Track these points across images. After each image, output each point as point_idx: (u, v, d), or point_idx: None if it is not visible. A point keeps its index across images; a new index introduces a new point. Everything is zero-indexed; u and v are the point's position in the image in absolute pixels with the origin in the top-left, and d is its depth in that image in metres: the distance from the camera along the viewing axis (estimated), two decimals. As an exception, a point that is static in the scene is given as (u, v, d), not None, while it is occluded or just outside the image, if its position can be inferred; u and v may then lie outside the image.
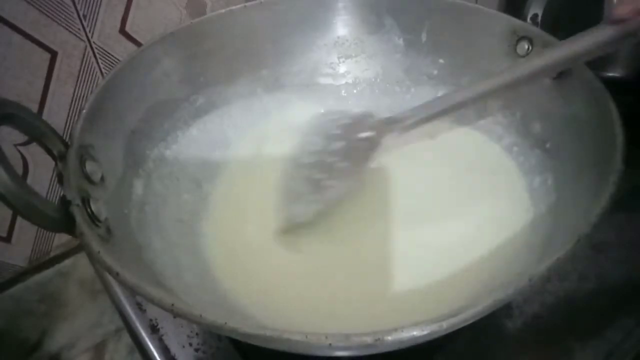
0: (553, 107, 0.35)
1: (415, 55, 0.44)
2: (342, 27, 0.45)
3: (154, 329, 0.36)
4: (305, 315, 0.31)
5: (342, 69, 0.47)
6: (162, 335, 0.36)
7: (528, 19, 0.39)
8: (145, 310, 0.37)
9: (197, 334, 0.35)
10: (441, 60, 0.43)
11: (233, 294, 0.32)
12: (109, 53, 0.42)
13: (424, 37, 0.43)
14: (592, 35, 0.28)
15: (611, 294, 0.35)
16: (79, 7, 0.39)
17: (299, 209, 0.36)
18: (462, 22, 0.40)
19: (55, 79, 0.40)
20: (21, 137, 0.40)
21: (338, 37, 0.45)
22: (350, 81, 0.47)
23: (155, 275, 0.28)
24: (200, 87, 0.41)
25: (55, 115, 0.41)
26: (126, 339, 0.56)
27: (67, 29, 0.39)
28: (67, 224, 0.24)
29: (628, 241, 0.38)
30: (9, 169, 0.22)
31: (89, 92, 0.42)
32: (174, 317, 0.33)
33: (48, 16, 0.37)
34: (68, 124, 0.43)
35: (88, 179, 0.28)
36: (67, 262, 0.49)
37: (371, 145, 0.37)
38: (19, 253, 0.46)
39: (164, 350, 0.35)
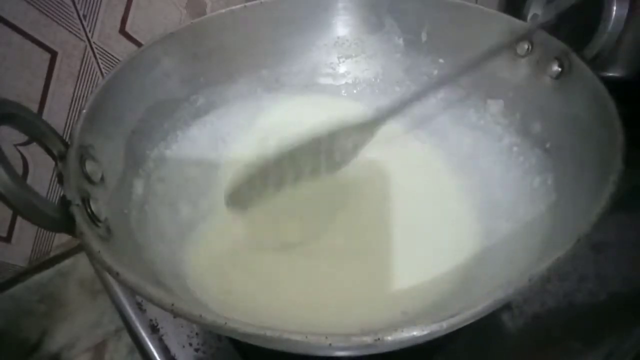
0: (553, 107, 0.35)
1: (415, 55, 0.44)
2: (342, 27, 0.45)
3: (154, 329, 0.36)
4: (303, 317, 0.31)
5: (342, 69, 0.46)
6: (162, 335, 0.36)
7: (528, 19, 0.39)
8: (145, 310, 0.37)
9: (197, 334, 0.35)
10: (441, 60, 0.43)
11: (225, 296, 0.32)
12: (109, 53, 0.42)
13: (424, 37, 0.43)
14: None
15: (611, 294, 0.35)
16: (79, 7, 0.39)
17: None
18: (462, 22, 0.40)
19: (55, 79, 0.40)
20: (21, 137, 0.40)
21: (338, 37, 0.45)
22: (350, 81, 0.47)
23: (155, 275, 0.28)
24: (200, 87, 0.41)
25: (55, 115, 0.41)
26: (126, 339, 0.56)
27: (67, 29, 0.39)
28: (67, 224, 0.24)
29: (628, 241, 0.38)
30: (9, 169, 0.22)
31: (89, 92, 0.42)
32: (174, 317, 0.33)
33: (48, 16, 0.37)
34: (68, 124, 0.43)
35: (88, 179, 0.28)
36: (67, 262, 0.49)
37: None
38: (19, 253, 0.46)
39: (164, 350, 0.35)
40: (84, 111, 0.29)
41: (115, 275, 0.22)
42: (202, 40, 0.40)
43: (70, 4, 0.38)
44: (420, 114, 0.44)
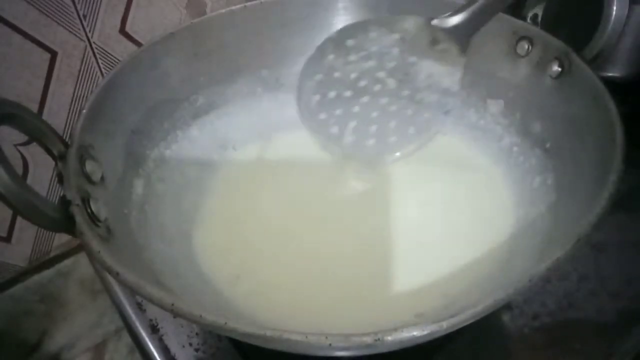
0: (553, 107, 0.35)
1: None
2: (342, 27, 0.45)
3: (154, 329, 0.36)
4: (304, 315, 0.31)
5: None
6: (162, 335, 0.36)
7: (528, 19, 0.39)
8: (145, 310, 0.37)
9: (197, 334, 0.35)
10: (441, 60, 0.43)
11: (228, 295, 0.32)
12: (109, 53, 0.42)
13: (424, 37, 0.43)
14: None
15: (611, 294, 0.35)
16: (79, 7, 0.39)
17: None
18: (462, 22, 0.40)
19: (55, 79, 0.40)
20: (21, 137, 0.40)
21: (338, 37, 0.45)
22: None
23: (155, 275, 0.28)
24: (200, 87, 0.41)
25: (55, 115, 0.41)
26: (126, 339, 0.56)
27: (67, 29, 0.39)
28: (67, 223, 0.24)
29: (628, 241, 0.38)
30: (9, 169, 0.22)
31: (89, 92, 0.42)
32: (174, 317, 0.33)
33: (48, 16, 0.37)
34: (68, 124, 0.43)
35: (88, 179, 0.28)
36: (67, 262, 0.49)
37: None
38: (19, 253, 0.46)
39: (164, 350, 0.35)
40: (84, 111, 0.29)
41: (115, 275, 0.22)
42: (202, 40, 0.40)
43: (70, 4, 0.38)
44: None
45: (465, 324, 0.20)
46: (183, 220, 0.36)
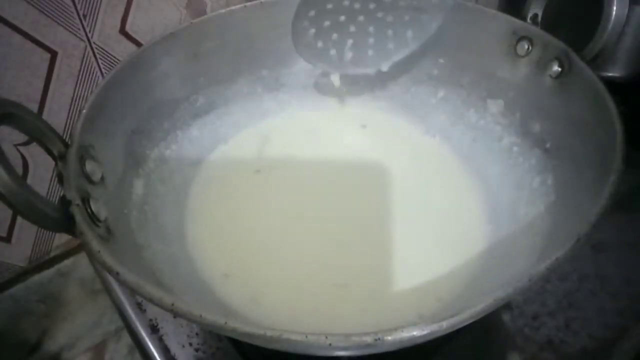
0: (553, 107, 0.35)
1: (415, 55, 0.44)
2: (342, 27, 0.45)
3: (154, 329, 0.36)
4: (303, 315, 0.31)
5: (342, 69, 0.46)
6: (162, 335, 0.36)
7: (528, 19, 0.39)
8: (145, 310, 0.37)
9: (197, 334, 0.35)
10: (441, 60, 0.43)
11: (225, 294, 0.32)
12: (109, 53, 0.42)
13: (424, 37, 0.43)
14: None
15: (611, 294, 0.35)
16: (79, 7, 0.39)
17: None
18: (462, 22, 0.40)
19: (55, 79, 0.40)
20: (21, 137, 0.40)
21: (338, 37, 0.45)
22: (350, 81, 0.47)
23: (155, 275, 0.28)
24: (200, 87, 0.41)
25: (55, 115, 0.41)
26: (126, 339, 0.56)
27: (67, 29, 0.39)
28: (67, 223, 0.24)
29: (628, 241, 0.38)
30: (9, 169, 0.22)
31: (89, 92, 0.42)
32: (174, 317, 0.33)
33: (48, 16, 0.37)
34: (68, 124, 0.43)
35: (88, 178, 0.28)
36: (67, 262, 0.49)
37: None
38: (19, 253, 0.46)
39: (164, 350, 0.35)
40: (84, 111, 0.29)
41: (115, 275, 0.22)
42: (202, 40, 0.40)
43: (70, 4, 0.38)
44: (420, 113, 0.45)
45: (465, 323, 0.20)
46: (182, 220, 0.36)
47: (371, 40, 0.40)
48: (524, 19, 0.38)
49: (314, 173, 0.41)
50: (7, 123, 0.24)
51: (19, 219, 0.44)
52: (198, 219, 0.37)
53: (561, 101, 0.34)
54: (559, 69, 0.34)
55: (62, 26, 0.38)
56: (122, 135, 0.34)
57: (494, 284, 0.30)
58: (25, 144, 0.41)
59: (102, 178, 0.29)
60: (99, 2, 0.39)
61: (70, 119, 0.43)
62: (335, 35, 0.41)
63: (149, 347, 0.35)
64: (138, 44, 0.43)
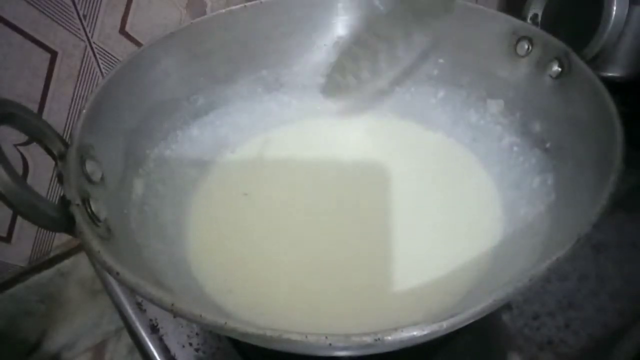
0: (553, 107, 0.35)
1: (415, 55, 0.44)
2: (342, 27, 0.45)
3: (154, 329, 0.36)
4: (302, 316, 0.31)
5: (342, 69, 0.46)
6: (162, 335, 0.36)
7: (528, 19, 0.39)
8: (145, 310, 0.37)
9: (197, 334, 0.35)
10: (441, 60, 0.43)
11: (220, 298, 0.32)
12: (109, 53, 0.42)
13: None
14: None
15: (611, 294, 0.35)
16: (79, 7, 0.39)
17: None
18: (462, 22, 0.40)
19: (55, 79, 0.40)
20: (21, 137, 0.40)
21: (338, 37, 0.45)
22: (350, 81, 0.47)
23: (155, 275, 0.28)
24: (200, 87, 0.41)
25: (55, 115, 0.41)
26: (126, 339, 0.56)
27: (67, 29, 0.39)
28: (67, 223, 0.24)
29: (628, 241, 0.38)
30: (9, 169, 0.22)
31: (89, 92, 0.42)
32: (174, 317, 0.33)
33: (48, 16, 0.37)
34: (68, 124, 0.43)
35: (88, 178, 0.28)
36: (67, 262, 0.49)
37: None
38: (19, 253, 0.46)
39: (164, 350, 0.35)
40: (84, 111, 0.29)
41: (115, 275, 0.22)
42: (202, 40, 0.40)
43: (70, 4, 0.38)
44: (421, 113, 0.45)
45: (465, 324, 0.20)
46: (182, 220, 0.36)
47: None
48: (524, 19, 0.38)
49: (315, 173, 0.41)
50: (7, 123, 0.24)
51: (19, 219, 0.44)
52: (198, 219, 0.37)
53: (561, 101, 0.34)
54: (559, 69, 0.34)
55: (62, 26, 0.38)
56: (122, 135, 0.34)
57: (494, 284, 0.30)
58: (25, 144, 0.41)
59: (102, 178, 0.29)
60: (99, 2, 0.39)
61: (70, 119, 0.43)
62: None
63: (149, 347, 0.35)
64: (138, 44, 0.43)
